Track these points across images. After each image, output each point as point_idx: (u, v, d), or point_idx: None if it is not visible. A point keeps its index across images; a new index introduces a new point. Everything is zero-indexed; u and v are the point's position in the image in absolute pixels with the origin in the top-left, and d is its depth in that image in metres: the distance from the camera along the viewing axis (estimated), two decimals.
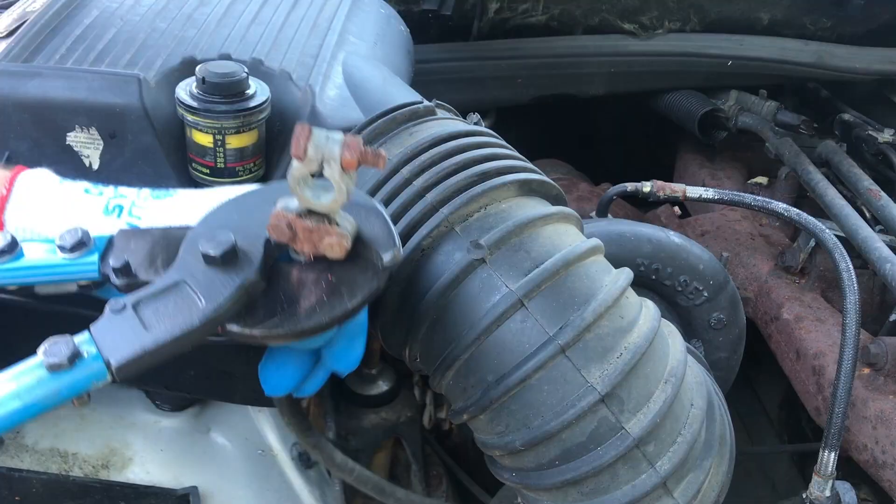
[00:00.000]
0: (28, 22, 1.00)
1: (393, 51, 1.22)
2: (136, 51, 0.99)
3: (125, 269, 0.72)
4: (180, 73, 0.96)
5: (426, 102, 0.97)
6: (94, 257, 0.73)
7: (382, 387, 1.49)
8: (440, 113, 0.98)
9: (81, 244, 0.73)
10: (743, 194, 1.28)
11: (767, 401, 1.86)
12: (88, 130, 0.91)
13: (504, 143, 0.95)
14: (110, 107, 0.90)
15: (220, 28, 1.08)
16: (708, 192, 1.30)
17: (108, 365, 0.65)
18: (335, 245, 0.70)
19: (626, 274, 0.86)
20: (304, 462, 1.34)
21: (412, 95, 1.04)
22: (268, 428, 1.26)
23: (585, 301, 0.80)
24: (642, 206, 1.64)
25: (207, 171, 0.93)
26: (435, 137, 0.91)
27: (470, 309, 0.81)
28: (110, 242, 0.75)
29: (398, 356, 0.94)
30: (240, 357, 1.05)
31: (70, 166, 0.93)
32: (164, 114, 0.93)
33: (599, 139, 1.90)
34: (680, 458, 0.81)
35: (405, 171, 0.88)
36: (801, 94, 1.80)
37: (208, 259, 0.68)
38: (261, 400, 1.14)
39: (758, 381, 1.87)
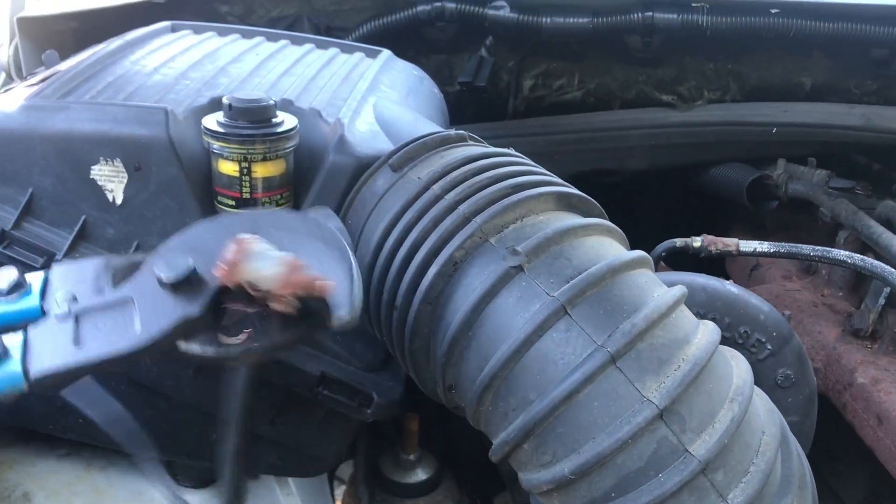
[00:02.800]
0: (62, 71, 1.01)
1: (425, 105, 1.21)
2: (166, 93, 0.99)
3: (72, 300, 0.70)
4: (208, 110, 0.94)
5: (458, 131, 0.94)
6: (34, 298, 0.70)
7: (421, 475, 1.40)
8: (472, 142, 0.95)
9: (18, 285, 0.70)
10: (801, 245, 1.20)
11: (848, 498, 1.69)
12: (113, 163, 0.89)
13: (539, 167, 0.91)
14: (136, 139, 0.89)
15: (252, 77, 1.08)
16: (763, 246, 1.22)
17: (26, 374, 0.63)
18: (282, 308, 0.67)
19: (680, 289, 0.79)
20: None
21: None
22: (294, 501, 1.16)
23: (635, 309, 0.72)
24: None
25: (233, 202, 0.90)
26: (466, 156, 0.87)
27: (508, 321, 0.73)
28: (47, 280, 0.72)
29: (431, 392, 0.86)
30: (265, 416, 0.99)
31: (93, 202, 0.90)
32: (190, 148, 0.91)
33: (640, 216, 1.84)
34: (754, 491, 0.71)
35: (436, 188, 0.83)
36: (850, 165, 1.74)
37: (161, 282, 0.66)
38: (287, 469, 1.07)
39: (834, 477, 1.71)
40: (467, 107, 1.60)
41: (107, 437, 1.05)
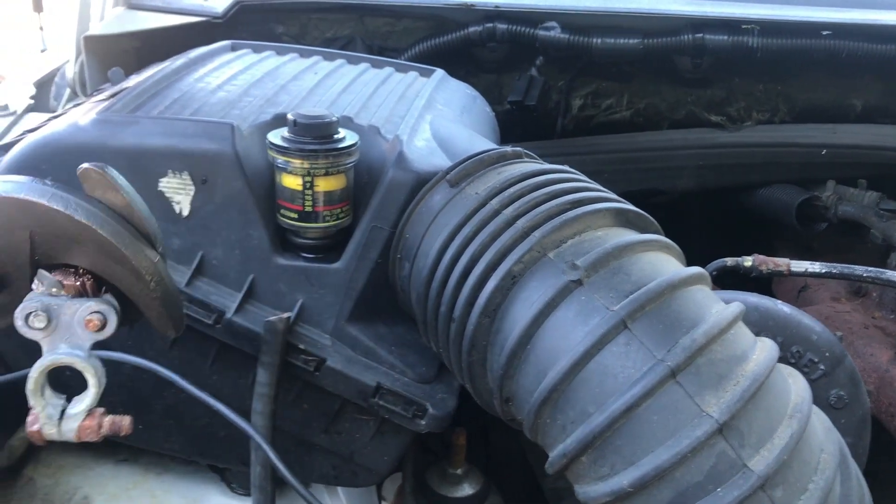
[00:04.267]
0: (129, 87, 1.04)
1: (479, 122, 1.23)
2: (230, 110, 1.02)
3: None
4: (271, 126, 0.97)
5: (514, 148, 0.96)
6: None
7: (468, 489, 1.39)
8: (528, 159, 0.96)
9: None
10: (853, 266, 1.19)
11: None
12: (181, 175, 0.92)
13: (595, 183, 0.92)
14: (203, 152, 0.92)
15: (312, 95, 1.11)
16: (814, 266, 1.22)
17: None
18: None
19: (738, 305, 0.79)
20: None
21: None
22: None
23: (695, 324, 0.73)
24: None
25: (295, 215, 0.92)
26: (524, 173, 0.89)
27: (566, 334, 0.74)
28: None
29: (487, 405, 0.87)
30: (318, 424, 1.00)
31: (160, 214, 0.93)
32: (254, 162, 0.94)
33: (687, 236, 1.84)
34: None
35: (494, 203, 0.85)
36: None
37: None
38: (340, 479, 1.08)
39: (882, 495, 1.68)
40: (516, 126, 1.61)
41: (162, 443, 1.08)
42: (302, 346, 0.93)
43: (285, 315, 0.92)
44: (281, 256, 0.94)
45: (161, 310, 0.75)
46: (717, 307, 0.77)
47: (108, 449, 1.15)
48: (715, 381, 0.71)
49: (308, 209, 0.92)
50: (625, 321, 0.72)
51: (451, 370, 0.91)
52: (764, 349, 0.76)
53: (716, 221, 1.83)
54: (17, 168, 0.95)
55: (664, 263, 0.80)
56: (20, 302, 0.72)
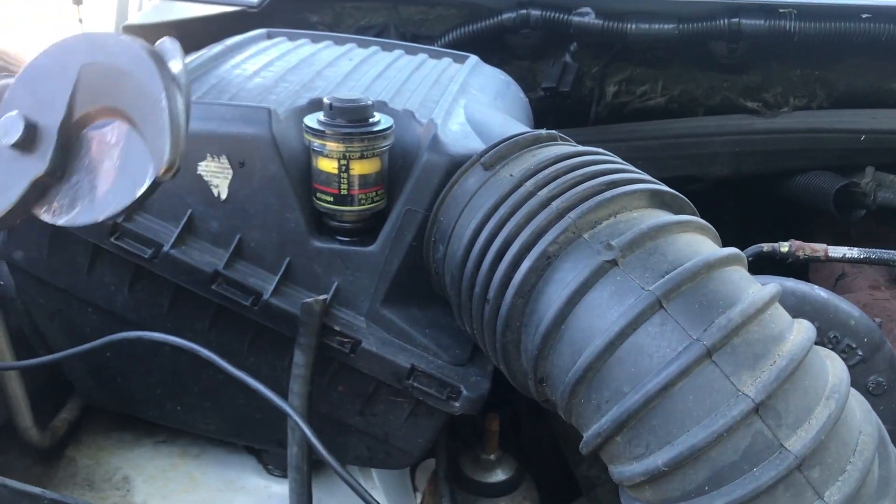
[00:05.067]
0: None
1: (513, 108, 1.23)
2: (267, 95, 1.03)
3: None
4: (307, 110, 0.98)
5: (549, 131, 0.96)
6: None
7: (501, 475, 1.40)
8: (562, 141, 0.96)
9: None
10: (893, 252, 1.18)
11: None
12: (219, 159, 0.93)
13: (630, 166, 0.92)
14: (241, 136, 0.93)
15: (347, 81, 1.11)
16: (852, 252, 1.21)
17: None
18: None
19: (775, 286, 0.78)
20: None
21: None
22: (378, 495, 1.18)
23: (731, 304, 0.73)
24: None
25: (331, 199, 0.93)
26: (559, 154, 0.89)
27: (602, 314, 0.75)
28: None
29: (521, 386, 0.87)
30: (353, 405, 1.02)
31: (199, 197, 0.95)
32: (291, 146, 0.95)
33: (722, 223, 1.82)
34: (852, 490, 0.70)
35: (529, 185, 0.85)
36: None
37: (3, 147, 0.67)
38: (374, 461, 1.09)
39: None
40: (549, 112, 1.61)
41: (200, 424, 1.10)
42: (337, 328, 0.94)
43: (321, 297, 0.93)
44: (317, 239, 0.95)
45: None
46: (754, 288, 0.77)
47: (147, 430, 1.17)
48: (751, 360, 0.70)
49: (343, 192, 0.93)
50: (660, 301, 0.72)
51: (484, 352, 0.92)
52: (801, 330, 0.76)
53: (751, 209, 1.81)
54: None
55: (700, 244, 0.80)
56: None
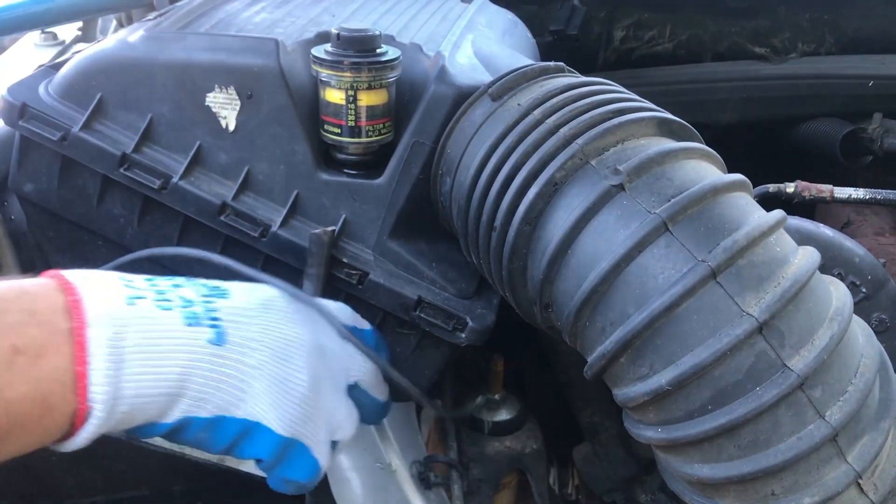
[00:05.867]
0: (176, 7, 1.06)
1: (520, 46, 1.23)
2: (274, 28, 1.03)
3: None
4: (315, 43, 0.98)
5: (556, 63, 0.96)
6: None
7: (506, 414, 1.42)
8: (569, 73, 0.96)
9: None
10: None
11: None
12: (227, 90, 0.93)
13: (639, 97, 0.92)
14: (248, 67, 0.93)
15: (355, 16, 1.11)
16: (858, 192, 1.21)
17: None
18: None
19: (780, 212, 0.79)
20: (425, 483, 1.27)
21: None
22: (388, 442, 1.20)
23: (736, 227, 0.73)
24: None
25: (339, 130, 0.94)
26: (567, 84, 0.89)
27: (608, 237, 0.75)
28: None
29: (527, 314, 0.88)
30: None
31: (207, 128, 0.95)
32: (298, 78, 0.95)
33: (729, 170, 1.82)
34: (852, 410, 0.71)
35: (537, 113, 0.85)
36: None
37: None
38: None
39: None
40: (557, 58, 1.59)
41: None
42: (345, 260, 0.95)
43: (330, 228, 0.94)
44: (325, 172, 0.96)
45: None
46: (759, 213, 0.78)
47: None
48: (756, 282, 0.71)
49: (351, 124, 0.93)
50: (666, 223, 0.73)
51: (491, 283, 0.93)
52: (806, 255, 0.77)
53: (759, 156, 1.80)
54: (69, 84, 0.97)
55: (706, 170, 0.80)
56: None
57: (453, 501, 1.20)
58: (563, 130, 0.81)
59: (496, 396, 1.39)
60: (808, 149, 1.69)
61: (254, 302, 0.79)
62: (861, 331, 0.80)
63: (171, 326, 0.71)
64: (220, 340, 0.73)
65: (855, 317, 0.80)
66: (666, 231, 0.73)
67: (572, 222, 0.76)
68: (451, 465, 1.22)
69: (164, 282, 0.76)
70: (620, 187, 0.76)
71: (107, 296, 0.68)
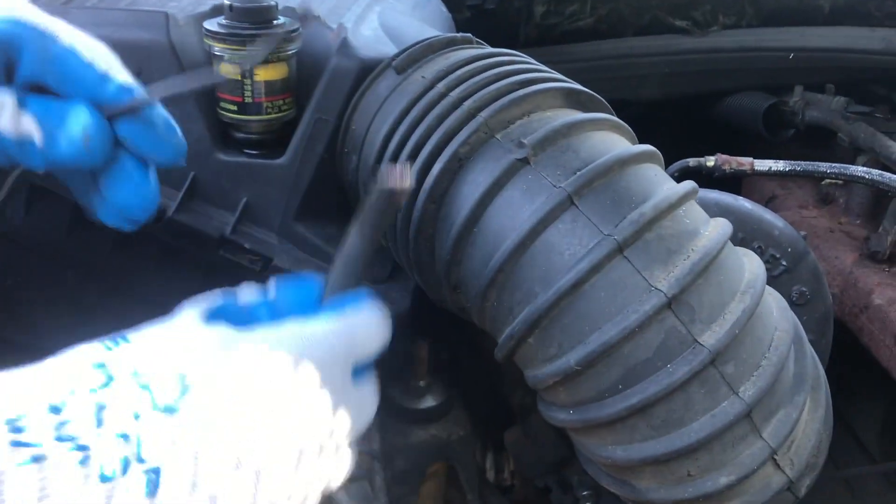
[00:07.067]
0: None
1: (433, 20, 1.18)
2: (168, 2, 0.97)
3: None
4: (209, 16, 0.92)
5: (464, 34, 0.92)
6: None
7: (431, 401, 1.38)
8: (477, 45, 0.93)
9: None
10: (818, 163, 1.17)
11: (857, 423, 1.67)
12: None
13: (548, 69, 0.88)
14: (136, 42, 0.87)
15: None
16: (778, 165, 1.20)
17: None
18: None
19: (690, 183, 0.76)
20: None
21: None
22: None
23: (644, 199, 0.70)
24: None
25: (235, 108, 0.88)
26: (472, 56, 0.85)
27: (513, 213, 0.72)
28: None
29: (436, 296, 0.85)
30: None
31: None
32: (191, 54, 0.89)
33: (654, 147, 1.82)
34: (766, 385, 0.69)
35: (440, 86, 0.82)
36: (869, 92, 1.69)
37: None
38: None
39: (850, 411, 1.70)
40: (476, 34, 1.56)
41: None
42: (247, 245, 0.90)
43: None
44: (222, 152, 0.91)
45: None
46: (668, 184, 0.75)
47: None
48: (664, 255, 0.69)
49: (248, 100, 0.88)
50: (571, 197, 0.70)
51: (401, 265, 0.89)
52: (716, 226, 0.75)
53: (682, 131, 1.80)
54: None
55: (615, 142, 0.77)
56: None
57: (375, 494, 1.16)
58: (467, 104, 0.77)
59: (421, 383, 1.36)
60: (731, 123, 1.69)
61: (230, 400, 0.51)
62: (776, 303, 0.78)
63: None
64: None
65: (769, 289, 0.79)
66: (571, 205, 0.70)
67: (476, 199, 0.73)
68: (373, 456, 1.18)
69: (82, 402, 0.46)
70: (525, 161, 0.73)
71: None
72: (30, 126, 0.61)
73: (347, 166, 0.90)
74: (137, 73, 0.88)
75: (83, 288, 0.98)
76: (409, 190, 0.59)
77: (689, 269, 0.68)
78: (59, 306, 1.02)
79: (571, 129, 0.75)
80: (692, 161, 1.23)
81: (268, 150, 0.92)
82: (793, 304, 1.13)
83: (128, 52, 0.86)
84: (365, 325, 0.65)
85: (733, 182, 1.79)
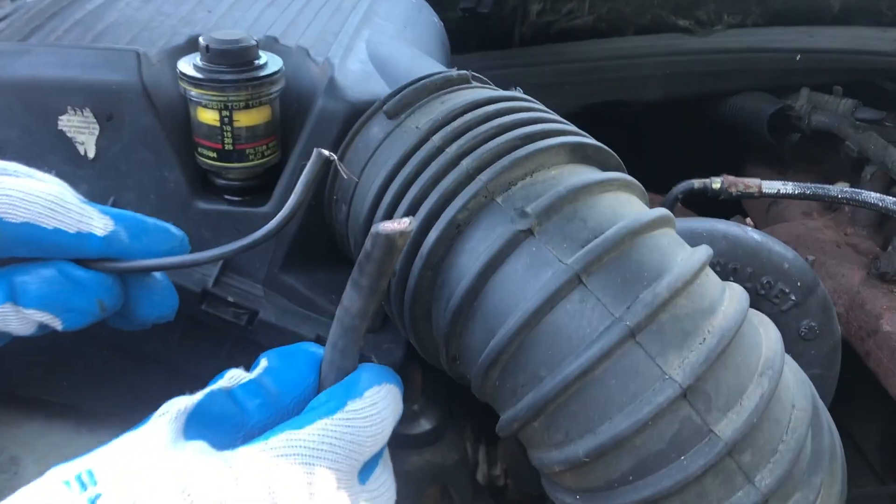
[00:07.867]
0: (24, 7, 0.92)
1: (425, 36, 1.11)
2: (139, 32, 0.90)
3: None
4: (185, 50, 0.86)
5: (460, 71, 0.85)
6: None
7: (425, 425, 1.34)
8: (476, 83, 0.86)
9: None
10: (827, 186, 1.12)
11: (865, 441, 1.65)
12: (82, 112, 0.81)
13: (551, 111, 0.83)
14: (106, 84, 0.81)
15: (233, 11, 0.98)
16: (787, 187, 1.15)
17: None
18: None
19: (705, 249, 0.71)
20: None
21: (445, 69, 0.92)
22: None
23: (657, 276, 0.65)
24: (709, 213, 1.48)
25: (214, 154, 0.82)
26: (470, 102, 0.79)
27: (516, 290, 0.67)
28: None
29: (434, 361, 0.80)
30: None
31: (63, 155, 0.83)
32: (166, 94, 0.83)
33: (655, 152, 1.75)
34: (783, 472, 0.65)
35: (436, 139, 0.75)
36: (879, 94, 1.64)
37: None
38: None
39: (851, 420, 1.67)
40: (470, 36, 1.49)
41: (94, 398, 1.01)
42: (231, 299, 0.85)
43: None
44: (202, 200, 0.85)
45: None
46: (683, 254, 0.70)
47: (36, 406, 1.07)
48: (679, 339, 0.64)
49: (228, 147, 0.82)
50: (579, 276, 0.64)
51: (395, 323, 0.84)
52: (734, 299, 0.69)
53: (684, 133, 1.74)
54: None
55: (624, 205, 0.72)
56: None
57: None
58: (466, 162, 0.72)
59: (414, 407, 1.32)
60: (734, 126, 1.63)
61: None
62: (793, 374, 0.73)
63: None
64: None
65: (786, 357, 0.74)
66: (580, 284, 0.65)
67: (476, 272, 0.68)
68: None
69: None
70: (529, 232, 0.67)
71: None
72: (39, 318, 0.65)
73: (336, 215, 0.85)
74: (108, 117, 0.82)
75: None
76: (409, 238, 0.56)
77: (706, 355, 0.63)
78: (31, 355, 0.96)
79: (578, 193, 0.69)
80: (697, 182, 1.17)
81: (251, 196, 0.86)
82: (801, 339, 1.10)
83: (97, 96, 0.81)
84: (369, 419, 0.61)
85: (737, 164, 1.74)
